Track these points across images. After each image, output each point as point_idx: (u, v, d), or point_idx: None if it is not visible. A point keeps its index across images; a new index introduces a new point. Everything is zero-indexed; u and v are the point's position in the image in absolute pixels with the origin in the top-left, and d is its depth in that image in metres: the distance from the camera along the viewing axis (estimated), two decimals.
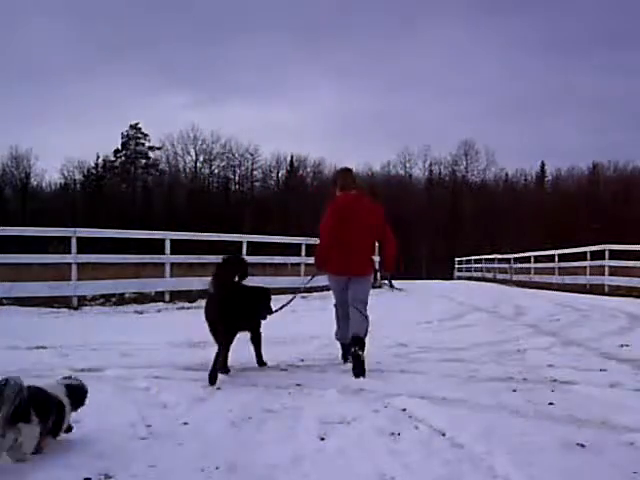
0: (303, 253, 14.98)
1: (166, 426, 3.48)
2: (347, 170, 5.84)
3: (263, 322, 5.40)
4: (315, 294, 12.32)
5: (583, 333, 7.65)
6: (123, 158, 58.24)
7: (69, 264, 10.67)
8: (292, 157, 58.97)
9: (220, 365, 4.78)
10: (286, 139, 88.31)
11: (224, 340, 4.90)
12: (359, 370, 4.96)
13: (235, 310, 4.97)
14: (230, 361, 5.39)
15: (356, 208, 5.46)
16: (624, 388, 4.53)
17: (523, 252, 25.56)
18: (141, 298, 11.53)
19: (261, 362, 5.40)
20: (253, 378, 4.73)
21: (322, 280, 6.43)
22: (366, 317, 5.36)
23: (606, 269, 16.53)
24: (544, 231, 49.01)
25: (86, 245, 11.66)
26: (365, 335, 5.23)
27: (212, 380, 4.54)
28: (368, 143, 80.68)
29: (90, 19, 69.98)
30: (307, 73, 78.32)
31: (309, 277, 6.28)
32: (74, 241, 10.63)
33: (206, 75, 79.31)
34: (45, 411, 2.88)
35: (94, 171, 57.16)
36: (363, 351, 5.11)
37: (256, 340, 5.39)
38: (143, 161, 58.67)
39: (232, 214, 51.83)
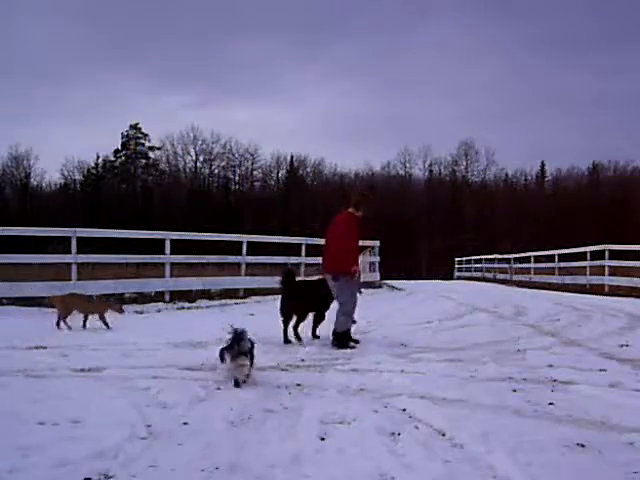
0: (303, 253, 14.97)
1: (166, 426, 3.48)
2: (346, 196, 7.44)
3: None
4: None
5: (583, 333, 7.64)
6: (123, 158, 58.18)
7: (69, 264, 10.67)
8: (292, 157, 58.97)
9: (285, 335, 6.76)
10: (286, 139, 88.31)
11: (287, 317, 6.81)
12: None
13: (296, 299, 6.83)
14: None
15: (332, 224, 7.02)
16: (624, 388, 4.53)
17: (523, 252, 25.55)
18: (141, 298, 11.52)
19: (314, 335, 7.00)
20: (253, 378, 4.73)
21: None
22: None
23: (606, 269, 16.53)
24: (544, 231, 48.98)
25: (86, 245, 11.65)
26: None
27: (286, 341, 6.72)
28: (368, 143, 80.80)
29: (90, 19, 70.10)
30: (307, 73, 78.33)
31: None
32: (74, 241, 10.63)
33: (206, 75, 79.20)
34: (251, 351, 4.58)
35: (94, 171, 57.11)
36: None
37: (317, 319, 7.01)
38: (143, 161, 58.58)
39: (232, 214, 51.84)
